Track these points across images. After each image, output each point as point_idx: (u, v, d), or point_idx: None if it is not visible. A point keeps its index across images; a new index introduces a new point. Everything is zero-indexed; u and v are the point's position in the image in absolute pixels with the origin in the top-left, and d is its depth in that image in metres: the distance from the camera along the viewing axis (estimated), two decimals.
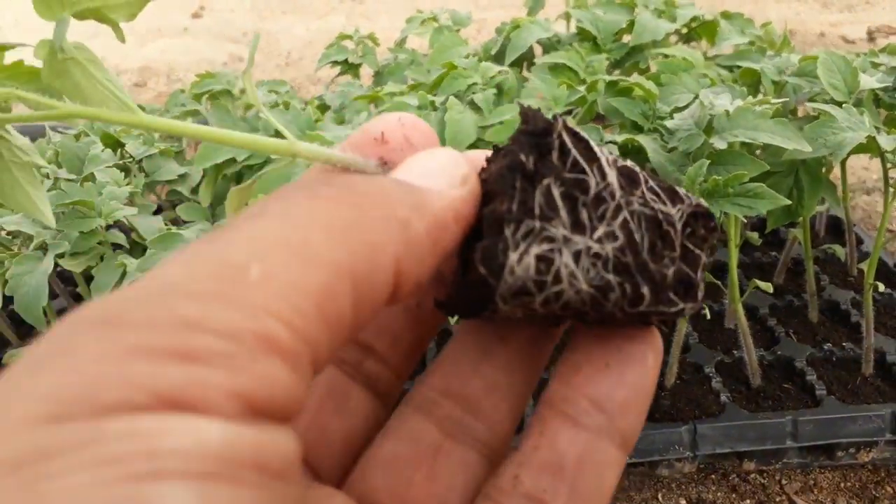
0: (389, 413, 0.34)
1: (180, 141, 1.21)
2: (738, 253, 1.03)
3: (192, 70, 2.32)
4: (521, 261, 0.27)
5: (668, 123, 0.94)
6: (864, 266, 1.03)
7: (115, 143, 1.14)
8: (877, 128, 0.97)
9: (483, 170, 0.31)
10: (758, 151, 1.00)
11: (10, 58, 0.31)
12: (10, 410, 0.18)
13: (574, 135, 0.29)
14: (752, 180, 0.87)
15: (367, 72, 1.40)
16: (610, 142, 0.97)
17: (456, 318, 0.33)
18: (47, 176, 1.07)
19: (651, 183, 0.30)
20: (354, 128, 1.00)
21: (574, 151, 0.28)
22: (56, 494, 0.17)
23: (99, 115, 0.28)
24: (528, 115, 0.30)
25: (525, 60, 1.27)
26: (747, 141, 0.88)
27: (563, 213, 0.28)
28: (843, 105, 0.96)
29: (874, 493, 1.03)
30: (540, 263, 0.27)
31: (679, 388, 1.06)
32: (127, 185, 1.04)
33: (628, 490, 1.04)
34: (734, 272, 1.01)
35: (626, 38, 1.25)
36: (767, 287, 1.01)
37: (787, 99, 0.99)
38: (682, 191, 0.30)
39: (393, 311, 0.35)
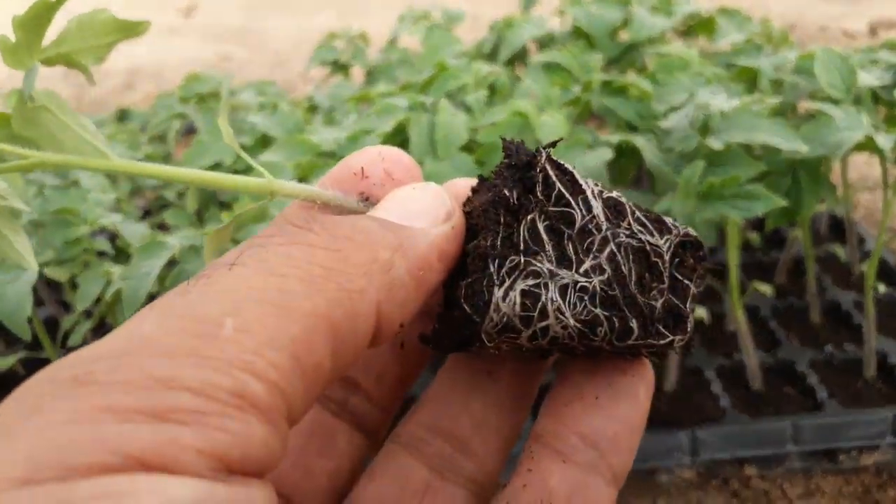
0: (377, 450, 0.34)
1: (167, 145, 1.18)
2: (738, 253, 1.01)
3: (181, 70, 2.29)
4: (506, 297, 0.27)
5: (664, 124, 0.92)
6: (865, 266, 1.01)
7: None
8: (875, 126, 0.95)
9: (468, 201, 0.31)
10: (756, 150, 0.98)
11: None
12: None
13: (558, 167, 0.29)
14: (750, 179, 0.85)
15: (359, 70, 1.37)
16: (605, 142, 0.94)
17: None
18: (30, 182, 1.05)
19: (638, 213, 0.29)
20: (344, 130, 0.98)
21: (559, 184, 0.28)
22: None
23: (72, 163, 0.28)
24: (510, 148, 0.30)
25: (519, 58, 1.25)
26: (744, 142, 0.86)
27: (549, 247, 0.27)
28: (841, 104, 0.93)
29: (876, 496, 1.02)
30: (525, 299, 0.27)
31: (679, 393, 1.04)
32: (112, 191, 1.02)
33: (627, 497, 1.02)
34: (734, 274, 0.99)
35: (622, 36, 1.22)
36: (767, 290, 0.99)
37: (783, 98, 0.97)
38: (669, 220, 0.30)
39: (378, 347, 0.34)
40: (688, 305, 0.28)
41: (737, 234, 0.98)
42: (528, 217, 0.28)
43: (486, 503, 0.32)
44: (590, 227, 0.28)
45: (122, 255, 0.98)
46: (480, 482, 0.32)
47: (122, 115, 1.37)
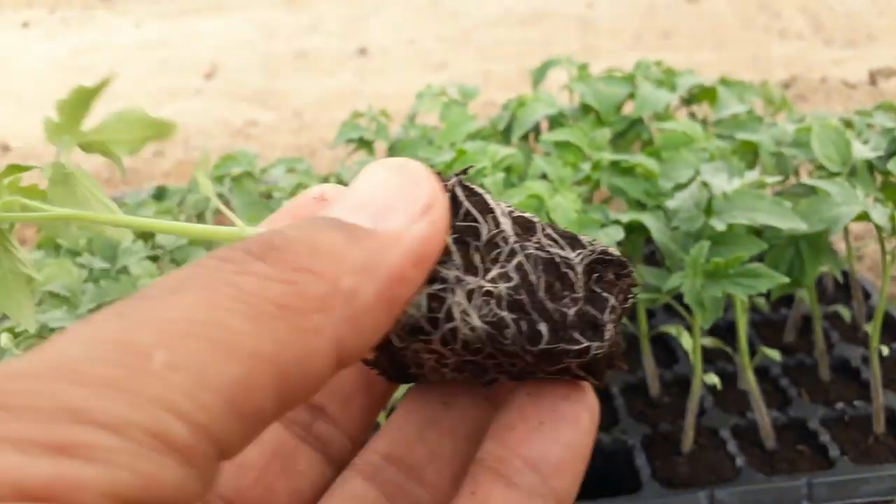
0: None
1: (205, 223, 1.26)
2: (746, 317, 1.07)
3: (209, 133, 2.40)
4: (412, 300, 0.28)
5: (670, 203, 0.99)
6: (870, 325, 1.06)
7: (144, 233, 1.20)
8: (874, 197, 1.01)
9: None
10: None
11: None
12: None
13: (468, 189, 0.31)
14: (753, 257, 0.91)
15: (381, 146, 1.46)
16: (615, 221, 1.01)
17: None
18: (82, 266, 1.13)
19: (548, 230, 0.30)
20: None
21: (466, 203, 0.30)
22: None
23: (86, 217, 0.32)
24: None
25: (532, 131, 1.32)
26: (745, 223, 0.92)
27: (456, 257, 0.29)
28: (837, 178, 1.00)
29: None
30: (432, 302, 0.28)
31: (696, 453, 1.09)
32: (159, 276, 1.09)
33: None
34: (743, 338, 1.04)
35: (629, 107, 1.30)
36: (774, 355, 1.04)
37: (782, 178, 1.03)
38: (585, 238, 0.31)
39: (344, 371, 0.33)
40: (606, 315, 0.29)
41: (744, 299, 1.03)
42: None
43: None
44: (497, 239, 0.29)
45: None
46: None
47: (160, 194, 1.46)
